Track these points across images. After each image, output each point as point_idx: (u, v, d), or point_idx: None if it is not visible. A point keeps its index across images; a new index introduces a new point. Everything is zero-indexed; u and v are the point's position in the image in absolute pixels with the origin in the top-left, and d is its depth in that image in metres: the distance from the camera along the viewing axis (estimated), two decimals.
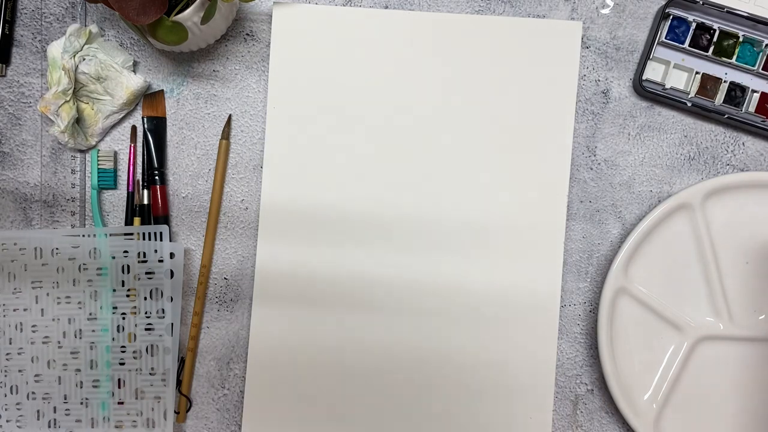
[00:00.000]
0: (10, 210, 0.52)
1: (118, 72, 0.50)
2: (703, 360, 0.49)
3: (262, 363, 0.50)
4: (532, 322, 0.50)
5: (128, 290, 0.49)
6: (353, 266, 0.50)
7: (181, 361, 0.51)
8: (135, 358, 0.49)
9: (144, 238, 0.49)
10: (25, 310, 0.50)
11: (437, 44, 0.51)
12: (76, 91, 0.50)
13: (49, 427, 0.50)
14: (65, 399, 0.50)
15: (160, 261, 0.49)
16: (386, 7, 0.52)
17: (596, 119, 0.51)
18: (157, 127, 0.52)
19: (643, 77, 0.50)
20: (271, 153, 0.51)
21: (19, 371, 0.50)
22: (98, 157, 0.51)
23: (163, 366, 0.49)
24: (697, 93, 0.50)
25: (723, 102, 0.50)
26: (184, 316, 0.51)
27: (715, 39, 0.50)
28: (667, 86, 0.50)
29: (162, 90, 0.52)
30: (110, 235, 0.49)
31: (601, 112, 0.51)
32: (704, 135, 0.51)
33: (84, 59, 0.50)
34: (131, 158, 0.52)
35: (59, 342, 0.50)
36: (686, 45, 0.50)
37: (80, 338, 0.50)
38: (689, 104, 0.50)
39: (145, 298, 0.49)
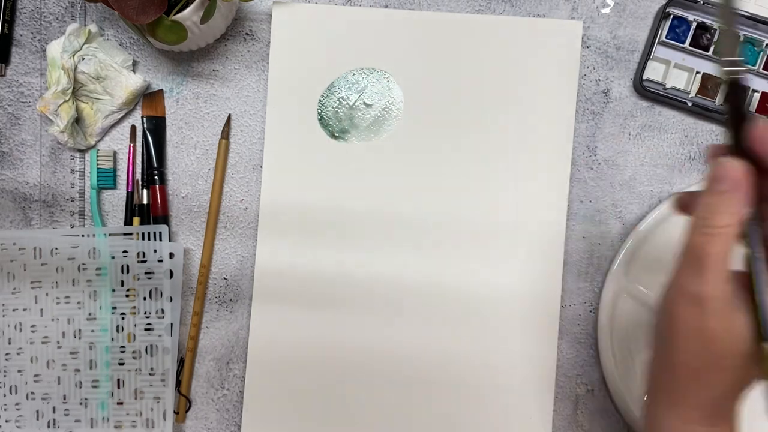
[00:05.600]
0: (9, 210, 0.52)
1: (117, 71, 0.50)
2: None
3: (261, 363, 0.50)
4: (532, 322, 0.50)
5: (127, 290, 0.49)
6: (353, 266, 0.50)
7: (181, 361, 0.51)
8: (134, 358, 0.49)
9: (143, 238, 0.49)
10: (24, 310, 0.50)
11: (437, 44, 0.51)
12: (76, 90, 0.50)
13: (49, 427, 0.50)
14: (64, 399, 0.49)
15: (160, 261, 0.49)
16: (386, 7, 0.52)
17: (597, 119, 0.51)
18: (156, 126, 0.52)
19: (644, 77, 0.50)
20: (271, 153, 0.51)
21: (19, 371, 0.50)
22: (97, 156, 0.51)
23: (162, 366, 0.49)
24: (698, 93, 0.50)
25: (724, 102, 0.50)
26: (183, 316, 0.51)
27: (715, 38, 0.50)
28: (668, 86, 0.50)
29: (161, 89, 0.52)
30: (109, 235, 0.49)
31: (601, 112, 0.51)
32: (705, 135, 0.51)
33: (83, 59, 0.50)
34: (130, 158, 0.52)
35: (58, 342, 0.50)
36: (687, 44, 0.50)
37: (79, 338, 0.49)
38: (690, 104, 0.50)
39: (145, 298, 0.49)
